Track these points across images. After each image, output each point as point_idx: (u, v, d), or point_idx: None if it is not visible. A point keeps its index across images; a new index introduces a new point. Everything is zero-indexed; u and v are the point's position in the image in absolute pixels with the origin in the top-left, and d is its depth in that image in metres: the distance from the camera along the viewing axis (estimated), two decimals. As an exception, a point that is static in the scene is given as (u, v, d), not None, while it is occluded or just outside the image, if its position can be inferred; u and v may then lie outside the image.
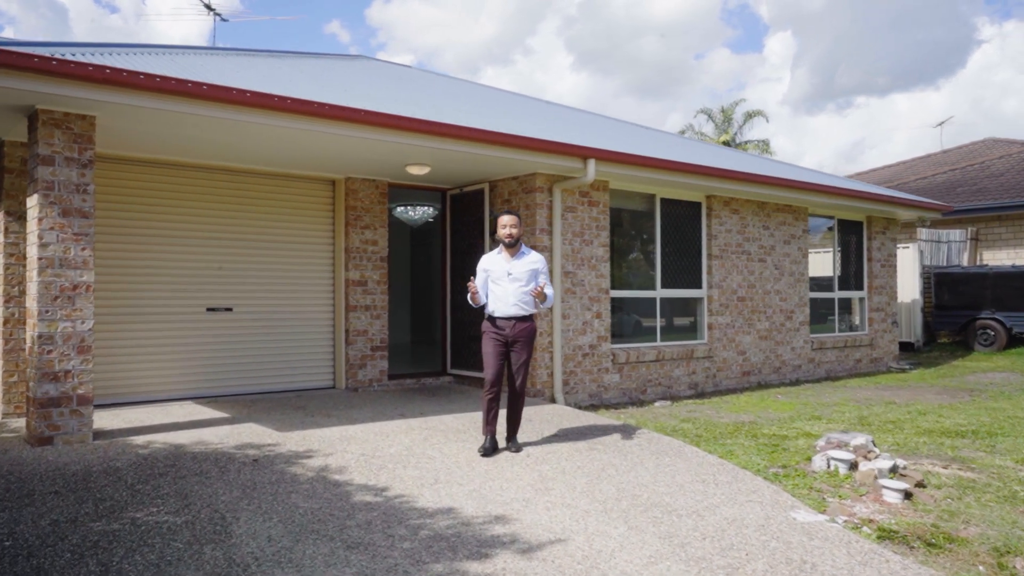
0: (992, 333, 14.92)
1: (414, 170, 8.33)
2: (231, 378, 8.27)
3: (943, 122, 28.78)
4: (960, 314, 15.36)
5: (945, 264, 17.02)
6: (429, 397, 8.55)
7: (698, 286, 10.50)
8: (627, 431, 6.72)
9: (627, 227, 9.84)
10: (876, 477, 5.28)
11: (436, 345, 14.25)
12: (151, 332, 7.80)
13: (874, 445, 5.97)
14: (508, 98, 13.06)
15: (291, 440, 6.07)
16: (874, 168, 25.37)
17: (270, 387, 8.53)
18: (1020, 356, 14.24)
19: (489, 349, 5.80)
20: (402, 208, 12.72)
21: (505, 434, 5.95)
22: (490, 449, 5.60)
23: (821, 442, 6.20)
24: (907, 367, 13.23)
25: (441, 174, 8.89)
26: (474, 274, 6.02)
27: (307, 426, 6.66)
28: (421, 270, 15.74)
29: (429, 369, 10.17)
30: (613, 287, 9.38)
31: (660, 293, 10.03)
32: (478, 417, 7.19)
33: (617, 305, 9.61)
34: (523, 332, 5.80)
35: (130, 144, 7.14)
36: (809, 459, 5.94)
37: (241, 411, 7.35)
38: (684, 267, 10.32)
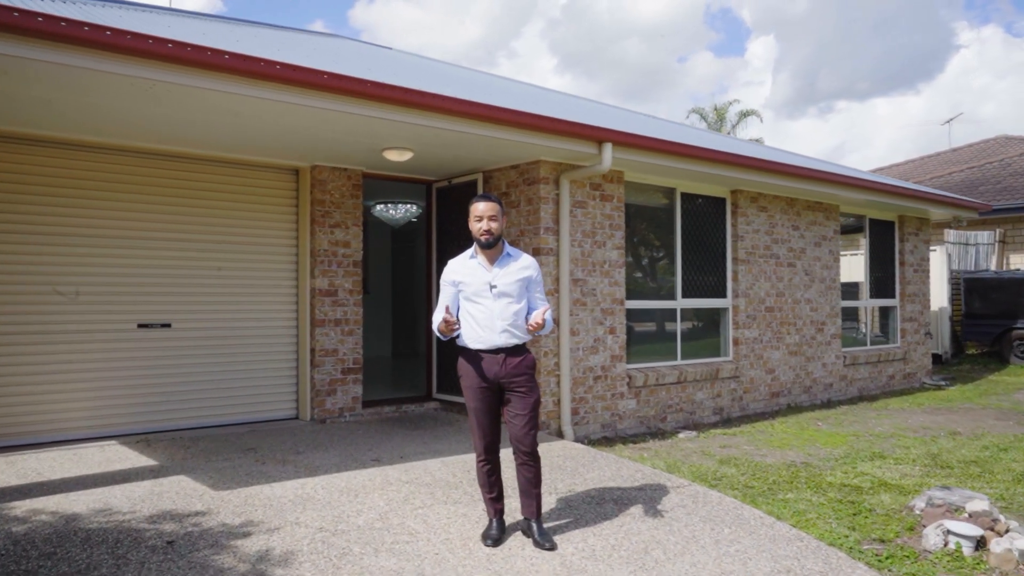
0: (1029, 344, 13.63)
1: (393, 156, 6.87)
2: (168, 411, 6.76)
3: (951, 119, 27.73)
4: (993, 323, 14.06)
5: (973, 268, 15.74)
6: (411, 431, 7.09)
7: (722, 295, 9.10)
8: (661, 483, 5.30)
9: (643, 226, 8.44)
10: (1019, 563, 3.88)
11: (420, 358, 12.78)
12: (65, 355, 6.28)
13: (998, 510, 4.57)
14: (503, 83, 11.62)
15: (228, 505, 4.59)
16: (881, 167, 24.16)
17: (218, 420, 7.03)
18: (1063, 370, 12.97)
19: (475, 403, 4.07)
20: (382, 206, 11.26)
21: (520, 507, 4.24)
22: (498, 537, 4.07)
23: (919, 503, 4.80)
24: (943, 383, 11.91)
25: (426, 162, 7.44)
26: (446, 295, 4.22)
27: (253, 479, 5.17)
28: (403, 276, 14.27)
29: (411, 393, 8.69)
30: (627, 296, 7.96)
31: (680, 303, 8.62)
32: (471, 462, 5.74)
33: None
34: (519, 368, 4.05)
35: (29, 118, 5.64)
36: (911, 528, 4.53)
37: (174, 455, 5.85)
38: (707, 273, 8.92)
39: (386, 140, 6.45)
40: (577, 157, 7.06)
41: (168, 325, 6.76)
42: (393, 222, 11.64)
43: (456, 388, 8.04)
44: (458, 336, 4.15)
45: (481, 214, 4.06)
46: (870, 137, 75.14)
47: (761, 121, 50.23)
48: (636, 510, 4.67)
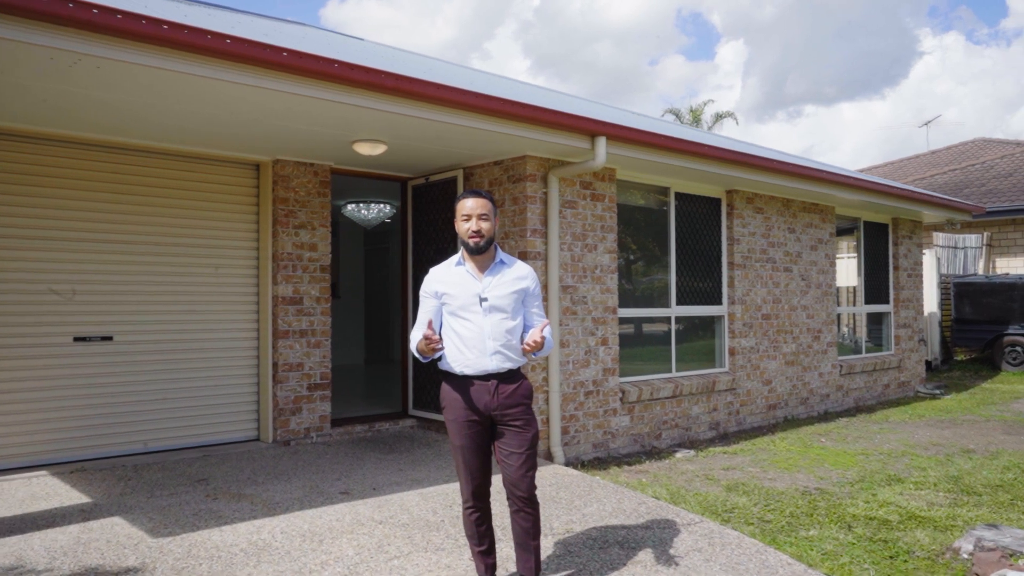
0: (1021, 350, 13.27)
1: (365, 149, 6.19)
2: (109, 435, 6.01)
3: (929, 121, 27.54)
4: (984, 329, 13.68)
5: (961, 272, 15.38)
6: (385, 454, 6.40)
7: (717, 301, 8.53)
8: (669, 519, 4.68)
9: (635, 228, 7.83)
10: (1102, 625, 3.31)
11: (394, 366, 12.10)
12: (-11, 373, 5.52)
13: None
14: (485, 77, 10.95)
15: (167, 557, 3.88)
16: (861, 169, 23.86)
17: (166, 444, 6.28)
18: (1058, 377, 12.60)
19: (462, 441, 3.38)
20: (353, 206, 10.56)
21: (515, 561, 3.56)
22: None
23: (965, 544, 4.23)
24: (937, 392, 11.45)
25: (401, 156, 6.76)
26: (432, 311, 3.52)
27: (201, 521, 4.46)
28: (377, 279, 13.57)
29: (385, 409, 8.00)
30: (619, 304, 7.33)
31: (675, 311, 8.03)
32: (454, 493, 5.09)
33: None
34: (515, 398, 3.39)
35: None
36: (963, 577, 3.96)
37: (111, 490, 5.12)
38: (701, 278, 8.35)
39: (357, 131, 5.76)
40: (567, 152, 6.43)
41: (109, 338, 6.01)
42: (365, 223, 10.94)
43: (434, 404, 7.37)
44: (440, 358, 3.50)
45: (469, 212, 3.40)
46: (837, 141, 76.06)
47: (737, 123, 50.11)
48: (646, 556, 4.04)
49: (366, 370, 12.52)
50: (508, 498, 3.44)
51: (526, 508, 3.42)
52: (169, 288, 6.32)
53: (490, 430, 3.45)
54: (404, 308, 7.82)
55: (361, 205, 10.51)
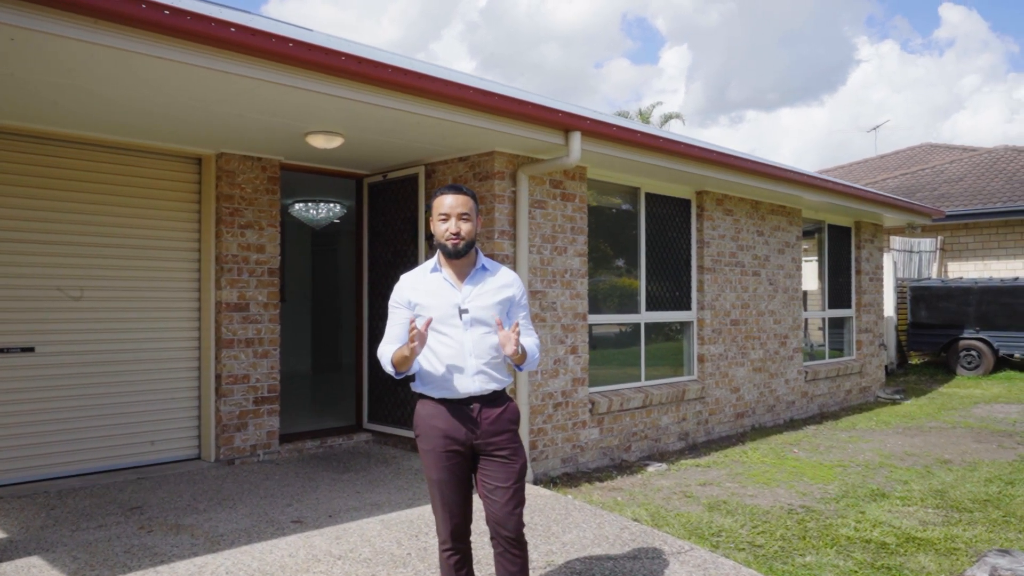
0: (976, 354, 13.32)
1: (319, 142, 5.67)
2: (31, 456, 5.36)
3: (878, 126, 27.97)
4: (940, 333, 13.72)
5: (916, 276, 15.45)
6: (340, 474, 5.89)
7: (686, 307, 8.21)
8: (656, 546, 4.29)
9: (603, 231, 7.45)
10: None
11: (343, 372, 11.55)
12: None
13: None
14: (448, 71, 10.46)
15: (92, 608, 3.34)
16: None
17: (97, 465, 5.66)
18: (1012, 381, 12.66)
19: (439, 474, 2.95)
20: (301, 205, 9.97)
21: None
22: None
23: (980, 574, 3.93)
24: (897, 397, 11.38)
25: (358, 151, 6.26)
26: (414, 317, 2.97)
27: (133, 560, 3.91)
28: (325, 281, 12.95)
29: (338, 423, 7.47)
30: (588, 310, 6.94)
31: (645, 317, 7.68)
32: (420, 522, 4.62)
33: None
34: (501, 423, 2.98)
35: None
36: (982, 612, 3.66)
37: (31, 521, 4.51)
38: (671, 283, 8.02)
39: (312, 121, 5.25)
40: (539, 148, 6.02)
41: (31, 349, 5.37)
42: (314, 223, 10.35)
43: (392, 417, 6.89)
44: (415, 376, 3.05)
45: (448, 211, 2.96)
46: (776, 146, 77.63)
47: (684, 124, 50.60)
48: (639, 594, 3.65)
49: (314, 379, 11.91)
50: (492, 538, 3.01)
51: (513, 550, 2.98)
52: (99, 294, 5.70)
53: (471, 460, 3.01)
54: (359, 313, 7.30)
55: (309, 204, 9.94)
